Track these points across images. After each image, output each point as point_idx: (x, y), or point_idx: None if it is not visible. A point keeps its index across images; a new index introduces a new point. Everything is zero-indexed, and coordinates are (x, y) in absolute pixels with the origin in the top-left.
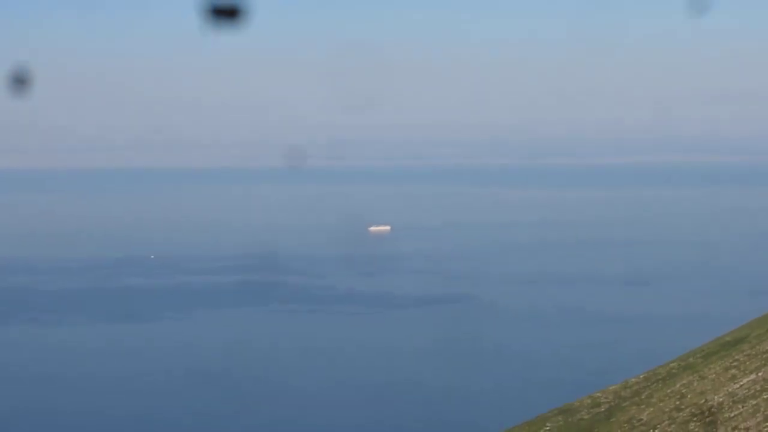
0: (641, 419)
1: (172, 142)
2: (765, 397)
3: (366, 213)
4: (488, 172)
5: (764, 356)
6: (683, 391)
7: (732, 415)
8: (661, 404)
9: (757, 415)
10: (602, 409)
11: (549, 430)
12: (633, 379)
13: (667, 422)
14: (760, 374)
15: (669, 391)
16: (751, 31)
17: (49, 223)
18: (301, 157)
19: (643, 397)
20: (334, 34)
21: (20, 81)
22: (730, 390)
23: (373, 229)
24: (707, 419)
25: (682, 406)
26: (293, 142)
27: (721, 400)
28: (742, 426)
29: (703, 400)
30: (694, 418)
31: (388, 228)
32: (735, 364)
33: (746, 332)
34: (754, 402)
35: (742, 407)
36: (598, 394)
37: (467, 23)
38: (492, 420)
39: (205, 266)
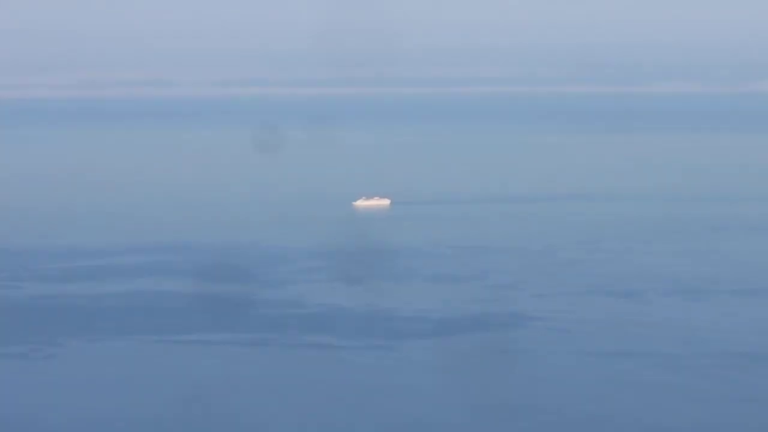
0: None
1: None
2: None
3: (351, 177)
4: (561, 104)
5: None
6: None
7: None
8: None
9: None
10: None
11: None
12: None
13: None
14: None
15: None
16: None
17: None
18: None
19: None
20: None
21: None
22: None
23: (362, 203)
24: None
25: None
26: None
27: None
28: None
29: None
30: None
31: (386, 202)
32: None
33: None
34: None
35: None
36: None
37: None
38: None
39: (81, 266)
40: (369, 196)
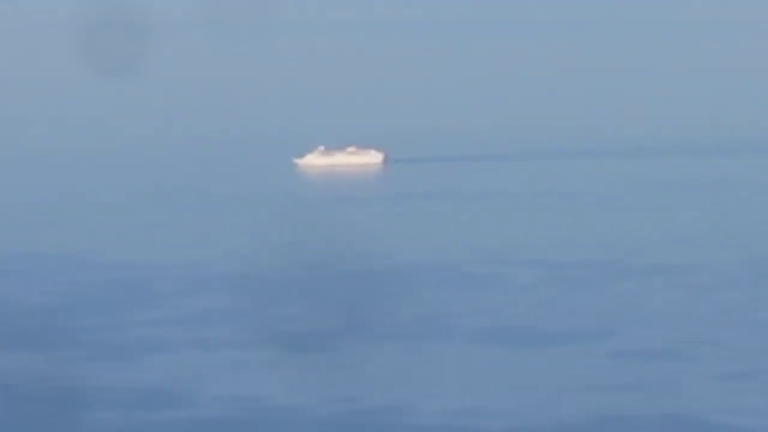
0: None
1: None
2: None
3: (297, 103)
4: None
5: None
6: None
7: None
8: None
9: None
10: None
11: None
12: None
13: None
14: None
15: None
16: None
17: None
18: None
19: None
20: None
21: None
22: None
23: (316, 161)
24: None
25: None
26: None
27: None
28: None
29: None
30: None
31: (373, 159)
32: None
33: None
34: None
35: None
36: None
37: None
38: None
39: None
40: (333, 147)
